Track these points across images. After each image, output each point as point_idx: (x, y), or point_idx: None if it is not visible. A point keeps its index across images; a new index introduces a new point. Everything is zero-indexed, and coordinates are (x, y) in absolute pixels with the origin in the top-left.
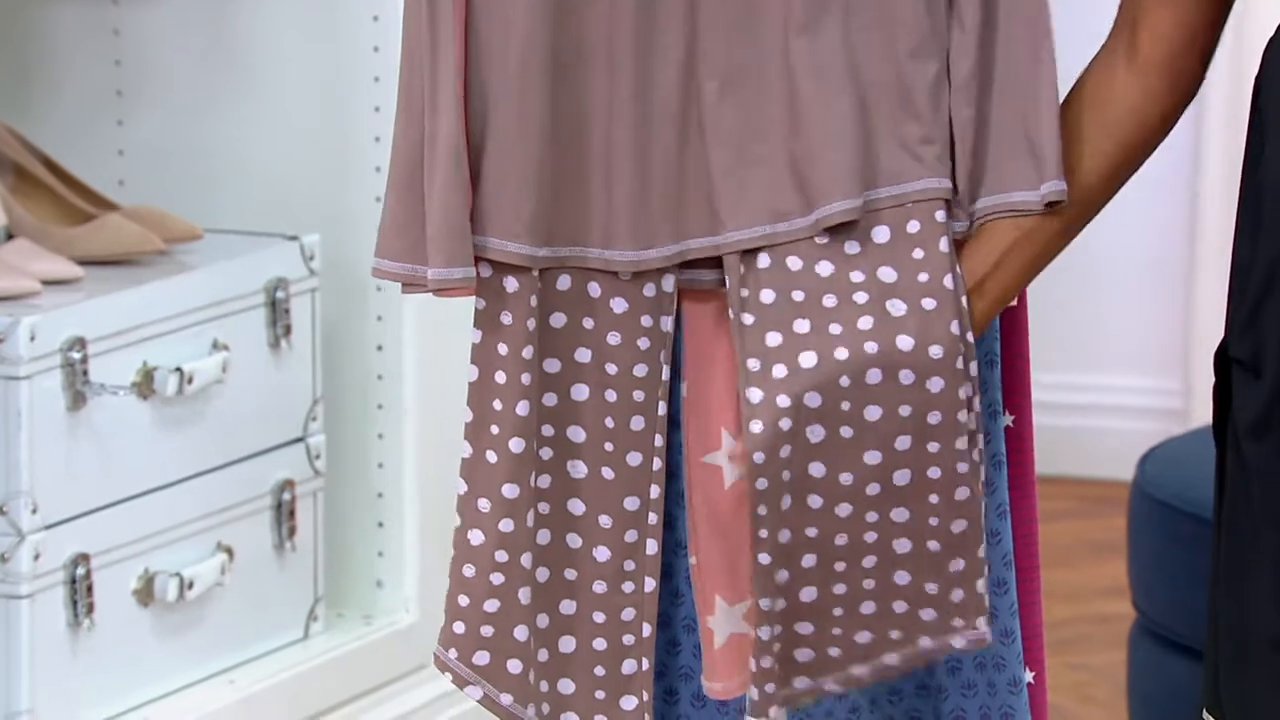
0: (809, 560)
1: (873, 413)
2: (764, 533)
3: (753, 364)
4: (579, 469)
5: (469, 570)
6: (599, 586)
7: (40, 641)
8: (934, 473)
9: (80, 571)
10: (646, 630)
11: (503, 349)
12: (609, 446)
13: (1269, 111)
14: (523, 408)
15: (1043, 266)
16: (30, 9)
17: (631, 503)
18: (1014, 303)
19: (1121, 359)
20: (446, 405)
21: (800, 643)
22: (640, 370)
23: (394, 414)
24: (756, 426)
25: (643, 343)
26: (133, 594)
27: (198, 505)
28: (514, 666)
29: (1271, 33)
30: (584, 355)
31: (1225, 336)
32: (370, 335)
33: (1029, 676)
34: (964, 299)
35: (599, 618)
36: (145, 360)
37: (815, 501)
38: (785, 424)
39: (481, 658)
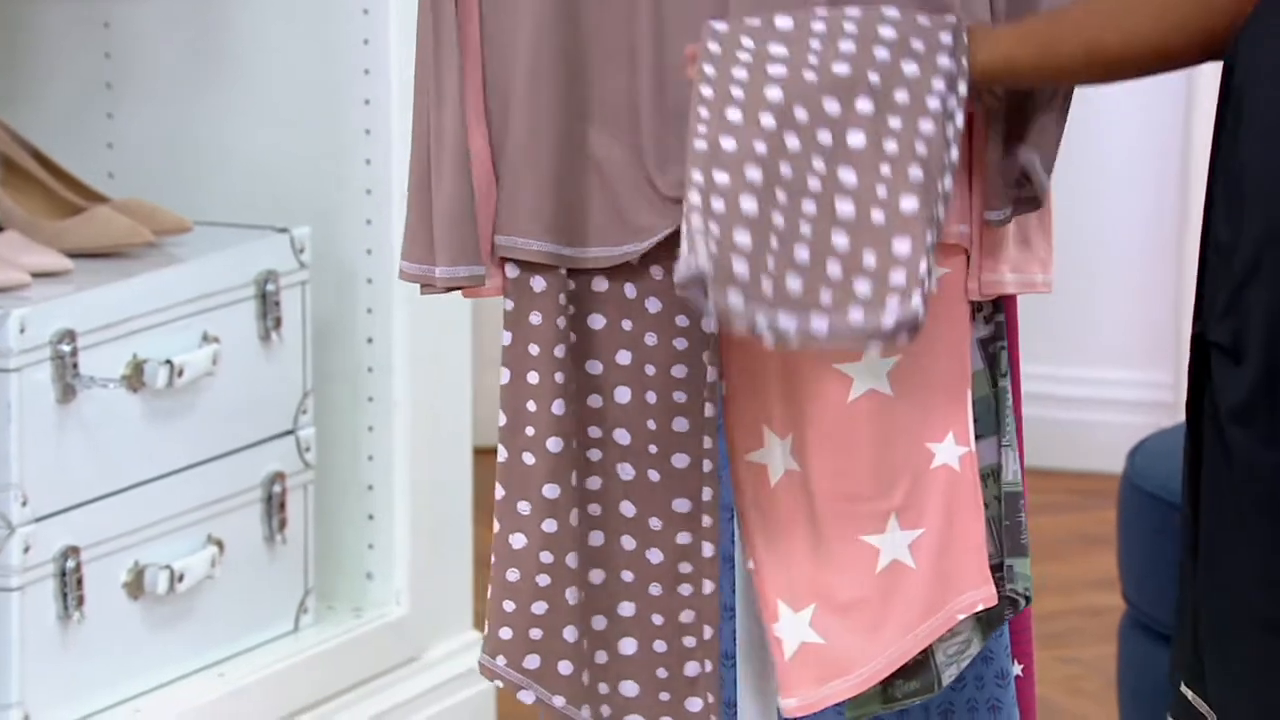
0: (753, 173)
1: (840, 68)
2: (703, 128)
3: None
4: (628, 471)
5: (513, 575)
6: (655, 589)
7: (30, 634)
8: (891, 146)
9: (70, 564)
10: (708, 633)
11: (534, 349)
12: (653, 449)
13: (1245, 93)
14: (558, 407)
15: (1059, 69)
16: (20, 2)
17: (681, 505)
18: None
19: (1111, 352)
20: (437, 398)
21: (737, 253)
22: (679, 371)
23: (384, 407)
24: (714, 46)
25: (679, 343)
26: (123, 587)
27: (188, 498)
28: (565, 668)
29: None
30: (624, 357)
31: (1200, 319)
32: (360, 328)
33: (1017, 669)
34: (965, 31)
35: (657, 620)
36: (135, 353)
37: (768, 120)
38: (744, 55)
39: (532, 661)
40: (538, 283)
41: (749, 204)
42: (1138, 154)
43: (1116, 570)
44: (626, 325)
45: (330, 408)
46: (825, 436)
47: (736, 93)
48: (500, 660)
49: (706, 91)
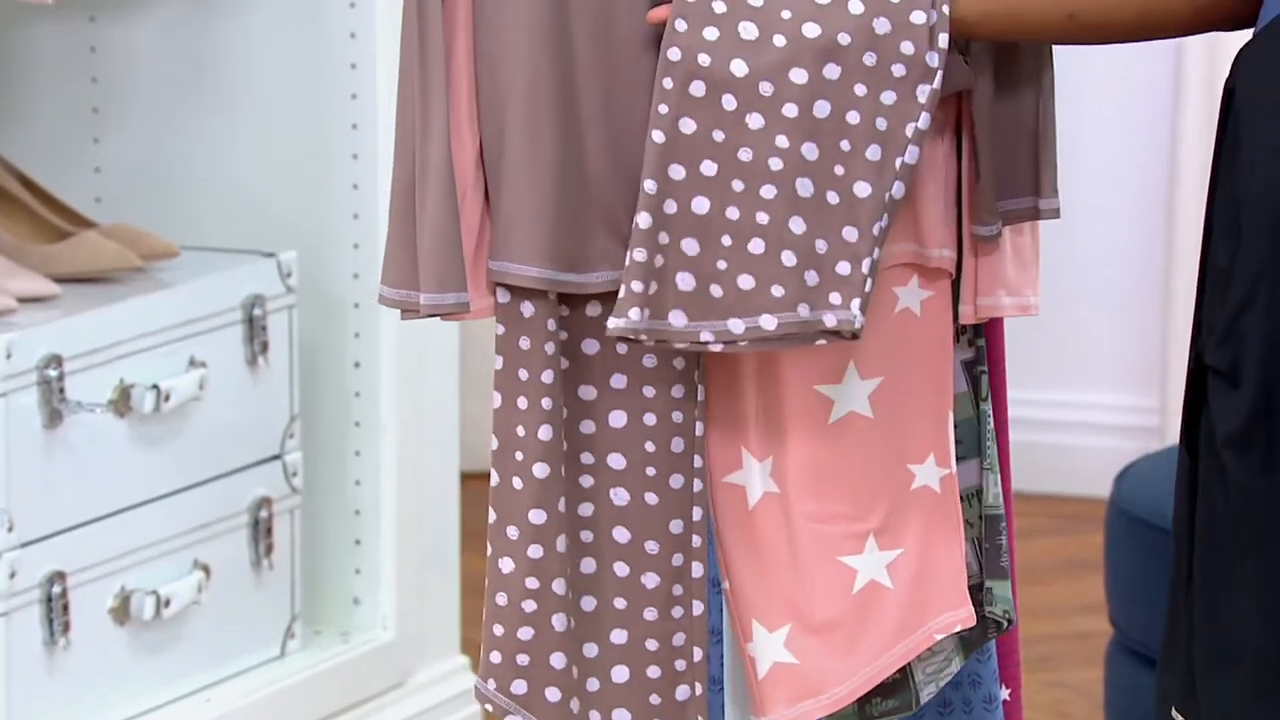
0: (709, 167)
1: (811, 29)
2: (664, 108)
3: None
4: (621, 496)
5: (502, 599)
6: (650, 614)
7: (16, 660)
8: (853, 117)
9: (56, 590)
10: (698, 654)
11: (523, 374)
12: (651, 471)
13: (1244, 118)
14: (545, 432)
15: (1036, 28)
16: (7, 26)
17: (676, 526)
18: (1001, 313)
19: (1098, 376)
20: (424, 423)
21: (684, 265)
22: (678, 391)
23: (371, 431)
24: None
25: (678, 363)
26: (109, 612)
27: (174, 523)
28: (552, 695)
29: (1246, 40)
30: (620, 381)
31: (1197, 344)
32: (348, 352)
33: (1005, 694)
34: None
35: (651, 645)
36: (122, 378)
37: (729, 101)
38: (719, 6)
39: (519, 686)
40: (527, 308)
41: (700, 204)
42: (1124, 177)
43: (1103, 595)
44: (621, 349)
45: (317, 432)
46: (805, 459)
47: (703, 60)
48: (490, 684)
49: (674, 55)
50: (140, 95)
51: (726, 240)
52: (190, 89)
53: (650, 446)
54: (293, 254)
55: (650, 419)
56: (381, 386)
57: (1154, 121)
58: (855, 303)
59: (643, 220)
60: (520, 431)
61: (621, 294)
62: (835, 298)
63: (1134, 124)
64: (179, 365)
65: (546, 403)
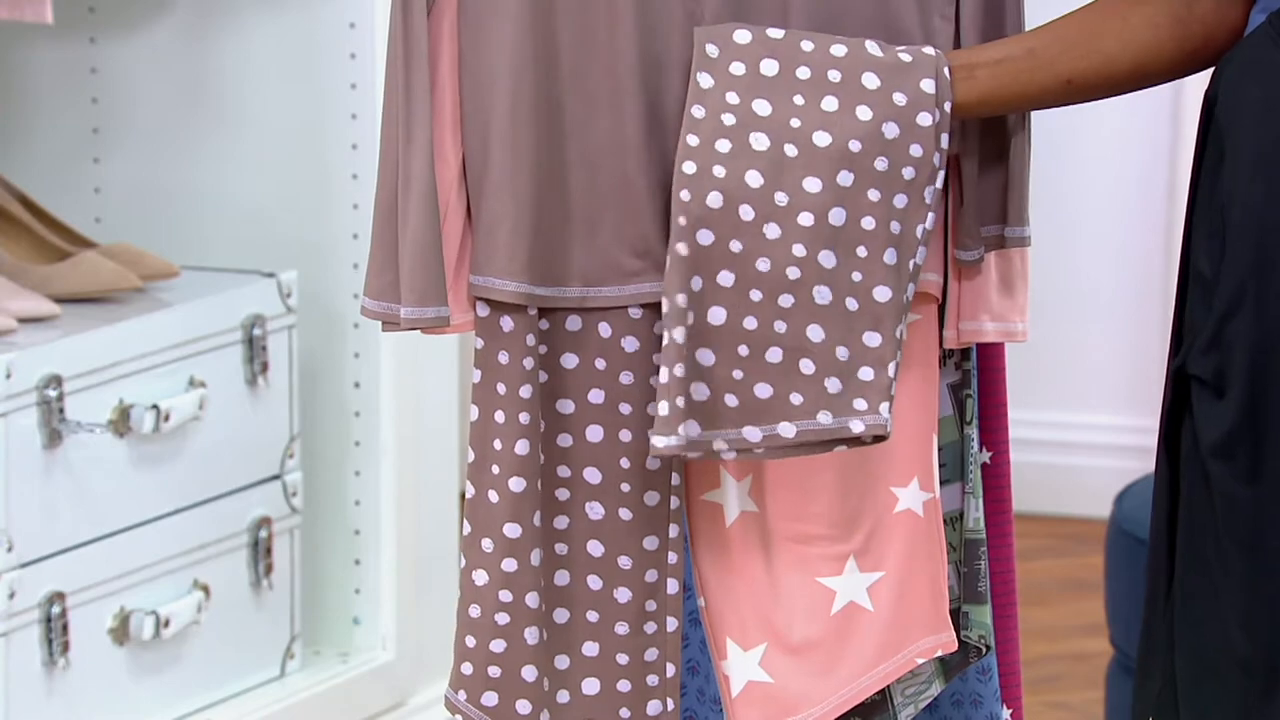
0: (726, 278)
1: (821, 138)
2: (683, 220)
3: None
4: (597, 510)
5: (474, 611)
6: (621, 628)
7: (15, 681)
8: (868, 223)
9: (55, 610)
10: (670, 671)
11: (501, 388)
12: (625, 487)
13: (1227, 126)
14: (522, 447)
15: (1036, 100)
16: (8, 47)
17: (651, 542)
18: (998, 339)
19: (1097, 396)
20: (424, 443)
21: (699, 375)
22: (654, 409)
23: (371, 451)
24: (698, 111)
25: (655, 380)
26: (108, 632)
27: (174, 543)
28: (523, 707)
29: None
30: (597, 396)
31: (1180, 351)
32: (348, 372)
33: (1006, 714)
34: (946, 69)
35: (622, 659)
36: (121, 398)
37: (746, 211)
38: (728, 119)
39: (490, 698)
40: (506, 323)
41: (717, 314)
42: (1123, 197)
43: (1103, 615)
44: (600, 364)
45: (317, 452)
46: (785, 480)
47: (718, 171)
48: (461, 695)
49: (689, 168)
50: (140, 116)
51: (743, 350)
52: (190, 110)
53: (625, 463)
54: (293, 274)
55: (626, 435)
56: (381, 406)
57: (1153, 140)
58: (884, 407)
59: (679, 335)
60: (497, 445)
61: (665, 411)
62: (861, 403)
63: (1133, 142)
64: (179, 385)
65: (524, 417)
